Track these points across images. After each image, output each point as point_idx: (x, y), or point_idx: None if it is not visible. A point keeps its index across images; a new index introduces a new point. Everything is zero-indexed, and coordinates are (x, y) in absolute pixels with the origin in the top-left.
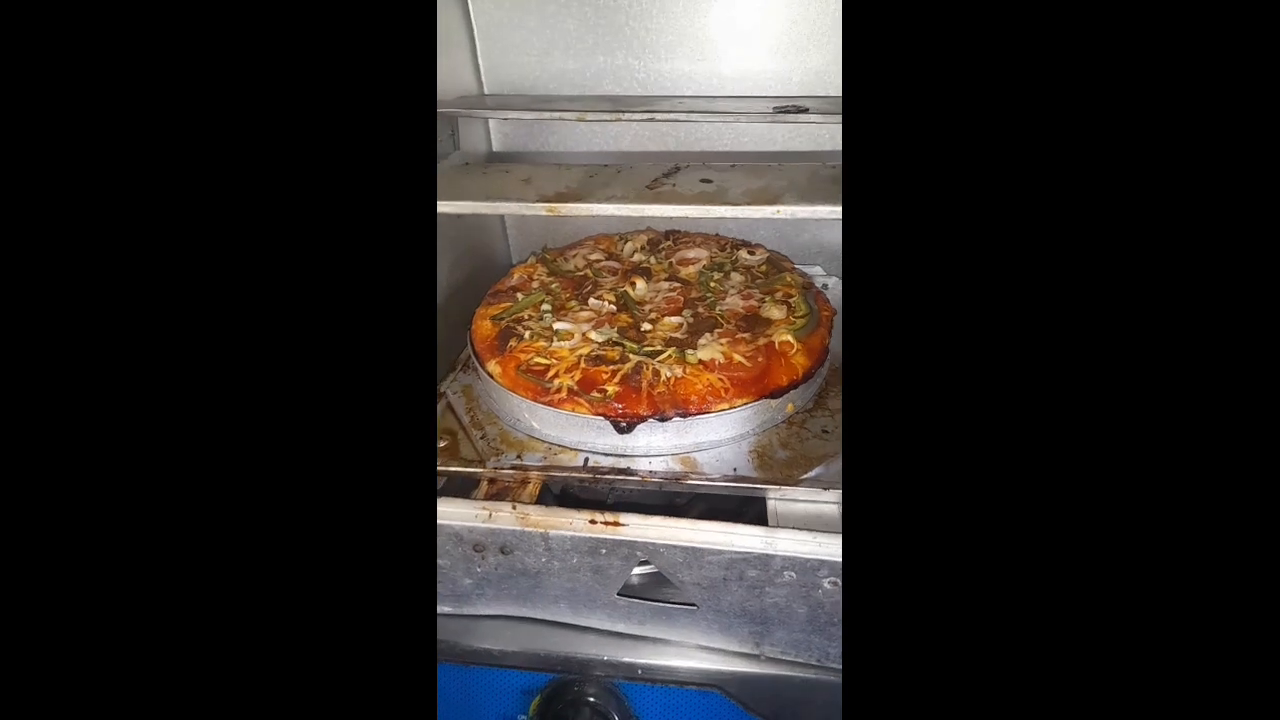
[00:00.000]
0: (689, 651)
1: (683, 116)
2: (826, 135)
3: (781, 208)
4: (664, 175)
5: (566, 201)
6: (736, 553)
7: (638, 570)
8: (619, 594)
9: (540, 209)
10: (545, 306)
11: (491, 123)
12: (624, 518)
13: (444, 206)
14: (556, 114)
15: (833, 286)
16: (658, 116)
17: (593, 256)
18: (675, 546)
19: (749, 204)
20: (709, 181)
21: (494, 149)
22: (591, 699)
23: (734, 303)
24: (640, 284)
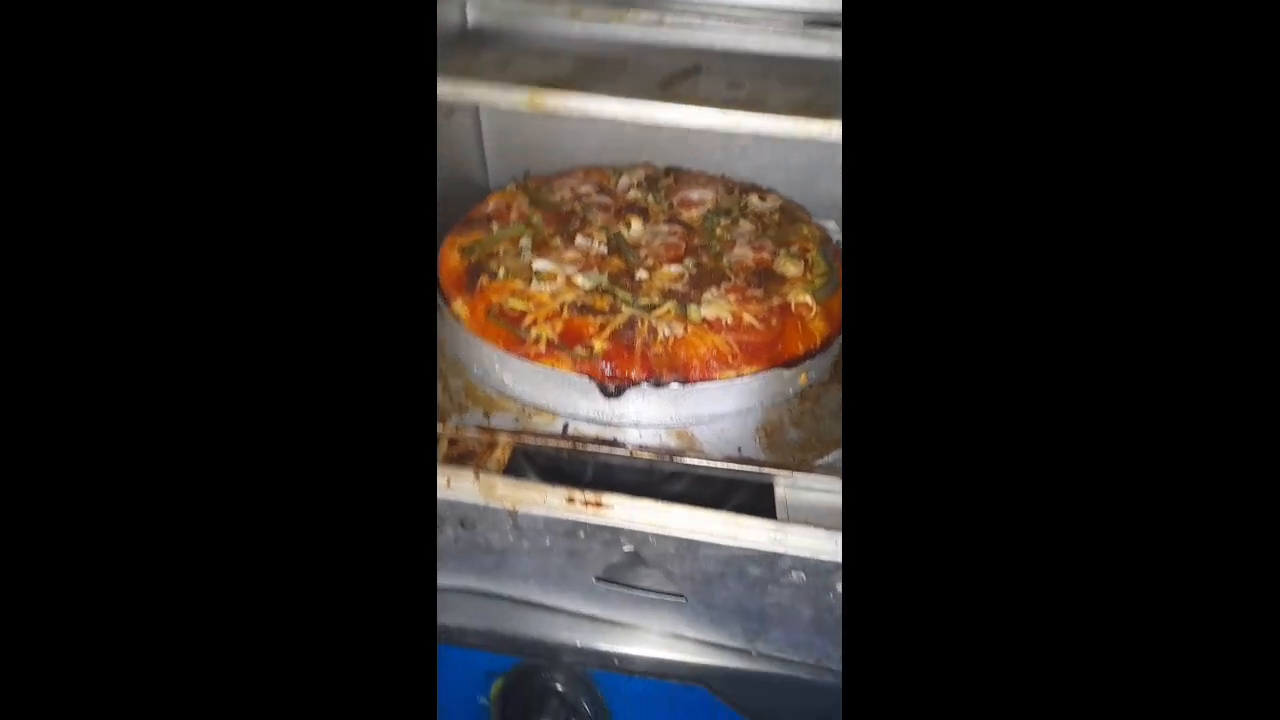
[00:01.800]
0: (672, 641)
1: (698, 20)
2: None
3: (835, 126)
4: (681, 74)
5: (556, 90)
6: (739, 548)
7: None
8: (598, 578)
9: (519, 98)
10: (524, 242)
11: (469, 7)
12: (608, 498)
13: None
14: (546, 3)
15: None
16: (667, 19)
17: (582, 189)
18: (667, 536)
19: (794, 115)
20: (740, 86)
21: (469, 28)
22: (560, 687)
23: (743, 254)
24: (636, 224)
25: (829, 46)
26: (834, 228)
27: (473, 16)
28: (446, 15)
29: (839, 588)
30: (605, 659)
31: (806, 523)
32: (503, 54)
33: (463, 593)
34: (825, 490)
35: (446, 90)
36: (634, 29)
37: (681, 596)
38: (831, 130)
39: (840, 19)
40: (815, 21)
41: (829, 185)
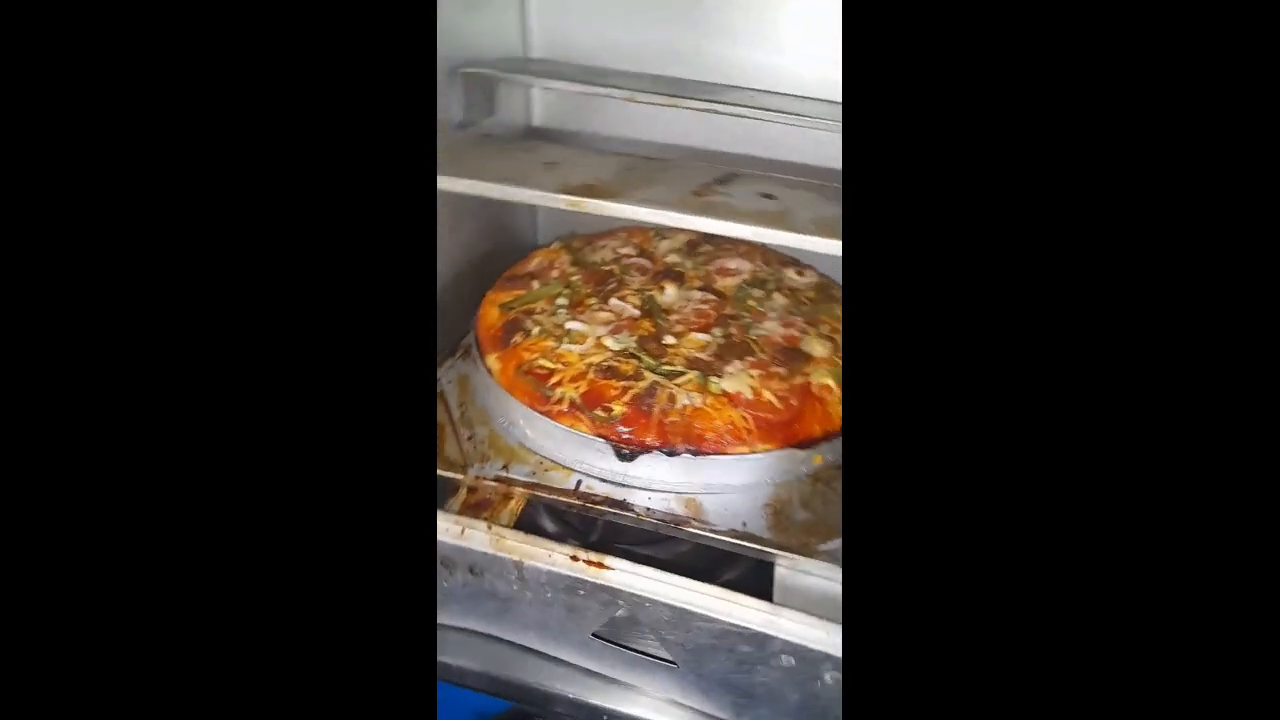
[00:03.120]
0: (662, 705)
1: (749, 111)
2: None
3: None
4: (716, 181)
5: (594, 197)
6: (731, 625)
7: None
8: (594, 634)
9: (560, 201)
10: (561, 300)
11: (535, 93)
12: (610, 560)
13: (447, 184)
14: (604, 90)
15: None
16: (719, 108)
17: (623, 250)
18: (664, 604)
19: (819, 234)
20: (771, 198)
21: (534, 123)
22: None
23: (772, 328)
24: (670, 289)
25: None
26: None
27: (537, 116)
28: (514, 114)
29: (828, 677)
30: (595, 713)
31: (802, 609)
32: (555, 153)
33: (465, 633)
34: (825, 577)
35: (496, 189)
36: (686, 120)
37: (673, 662)
38: None
39: None
40: None
41: None
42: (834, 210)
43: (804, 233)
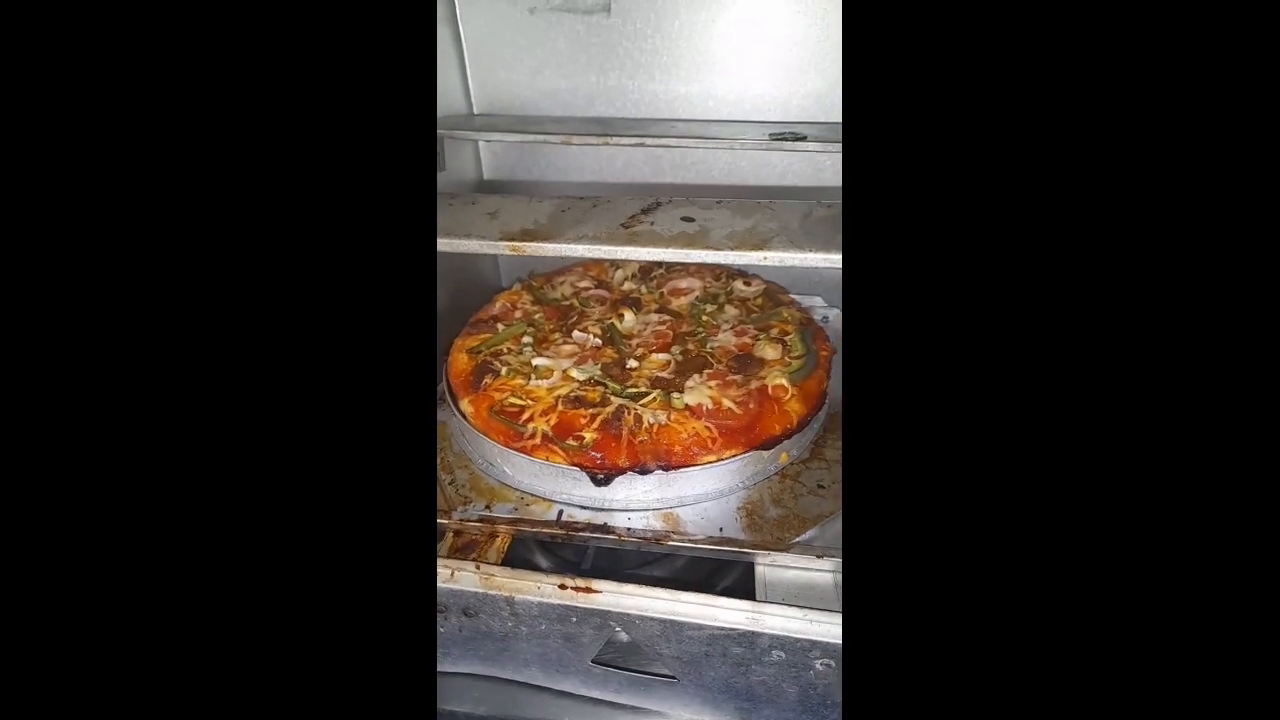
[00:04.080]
0: None
1: (674, 142)
2: (828, 163)
3: (769, 254)
4: (642, 212)
5: (533, 240)
6: (719, 628)
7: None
8: (595, 661)
9: (503, 248)
10: (526, 339)
11: (481, 144)
12: (597, 584)
13: None
14: (542, 137)
15: (833, 319)
16: (647, 141)
17: (581, 284)
18: (652, 619)
19: (733, 249)
20: (690, 220)
21: (484, 173)
22: None
23: (726, 339)
24: (629, 315)
25: (784, 158)
26: (819, 303)
27: (487, 167)
28: (464, 166)
29: (818, 665)
30: None
31: (782, 601)
32: (497, 204)
33: (468, 678)
34: (802, 568)
35: (445, 244)
36: (618, 153)
37: (673, 677)
38: (766, 257)
39: (801, 134)
40: (778, 135)
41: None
42: (747, 223)
43: (719, 249)
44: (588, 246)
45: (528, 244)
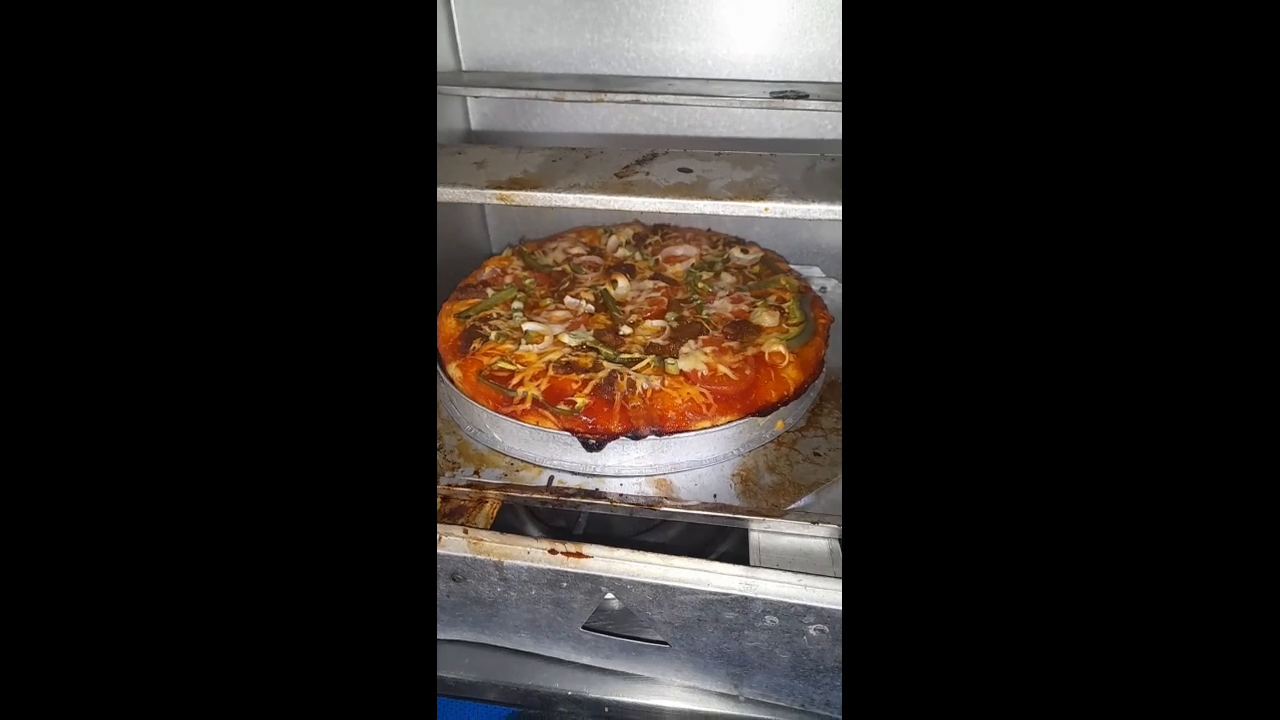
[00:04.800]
0: (661, 689)
1: (671, 99)
2: (829, 124)
3: (770, 204)
4: (637, 162)
5: (521, 189)
6: (711, 593)
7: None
8: (585, 626)
9: (490, 197)
10: (516, 304)
11: (470, 102)
12: (588, 548)
13: None
14: (533, 93)
15: (831, 290)
16: (643, 98)
17: (574, 250)
18: (644, 584)
19: (733, 199)
20: (688, 171)
21: (472, 129)
22: None
23: (723, 306)
24: (622, 282)
25: (785, 119)
26: (818, 274)
27: (474, 119)
28: (452, 122)
29: (811, 630)
30: (596, 708)
31: (776, 567)
32: (484, 154)
33: (458, 645)
34: (797, 534)
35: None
36: (613, 112)
37: (664, 642)
38: (768, 209)
39: (803, 92)
40: (779, 94)
41: (811, 232)
42: (747, 174)
43: (718, 199)
44: (579, 196)
45: (516, 192)
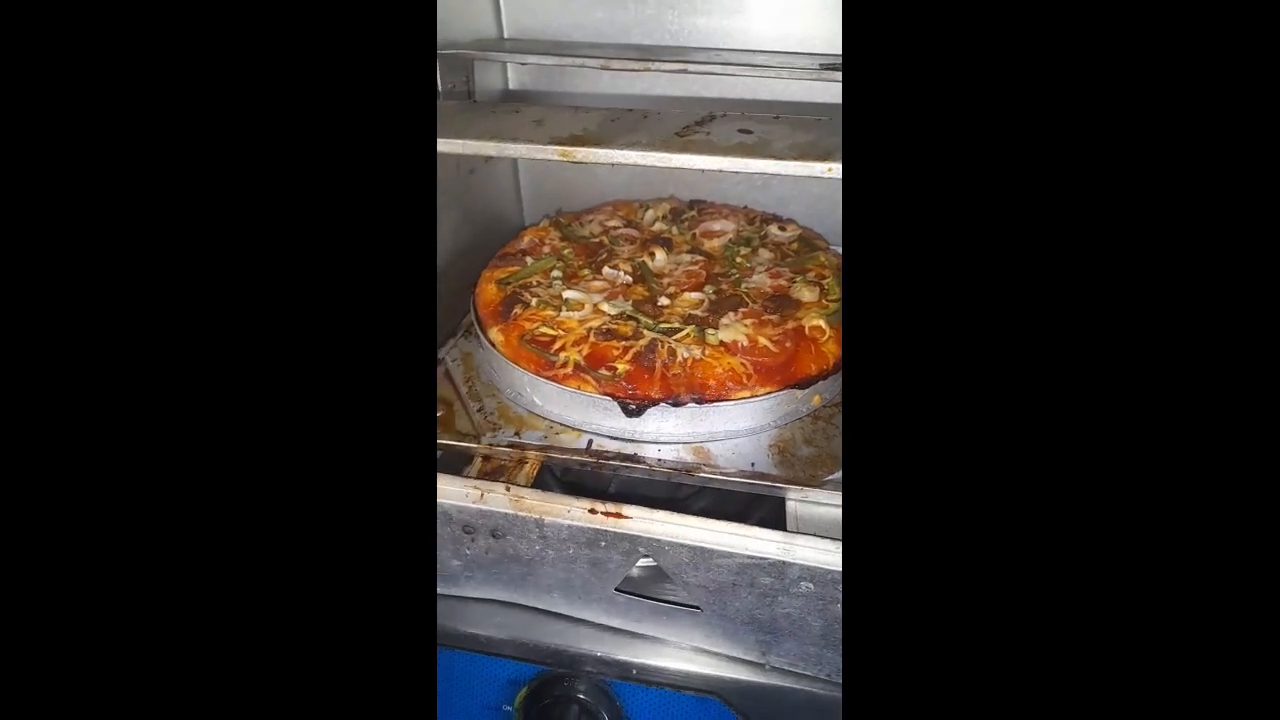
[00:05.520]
0: (688, 654)
1: (719, 69)
2: None
3: (835, 165)
4: (696, 123)
5: (584, 146)
6: (749, 557)
7: (640, 563)
8: (618, 589)
9: (552, 152)
10: (556, 273)
11: (510, 69)
12: (627, 509)
13: (441, 145)
14: (579, 60)
15: None
16: (690, 68)
17: (610, 223)
18: (682, 545)
19: (796, 159)
20: (749, 132)
21: (510, 89)
22: (581, 696)
23: (761, 281)
24: (660, 254)
25: (831, 91)
26: None
27: (513, 80)
28: (489, 81)
29: None
30: (625, 669)
31: (814, 534)
32: (541, 112)
33: (491, 604)
34: (833, 504)
35: (490, 147)
36: (653, 83)
37: (697, 607)
38: (831, 169)
39: None
40: (830, 66)
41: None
42: (809, 136)
43: (783, 159)
44: (641, 153)
45: (578, 149)
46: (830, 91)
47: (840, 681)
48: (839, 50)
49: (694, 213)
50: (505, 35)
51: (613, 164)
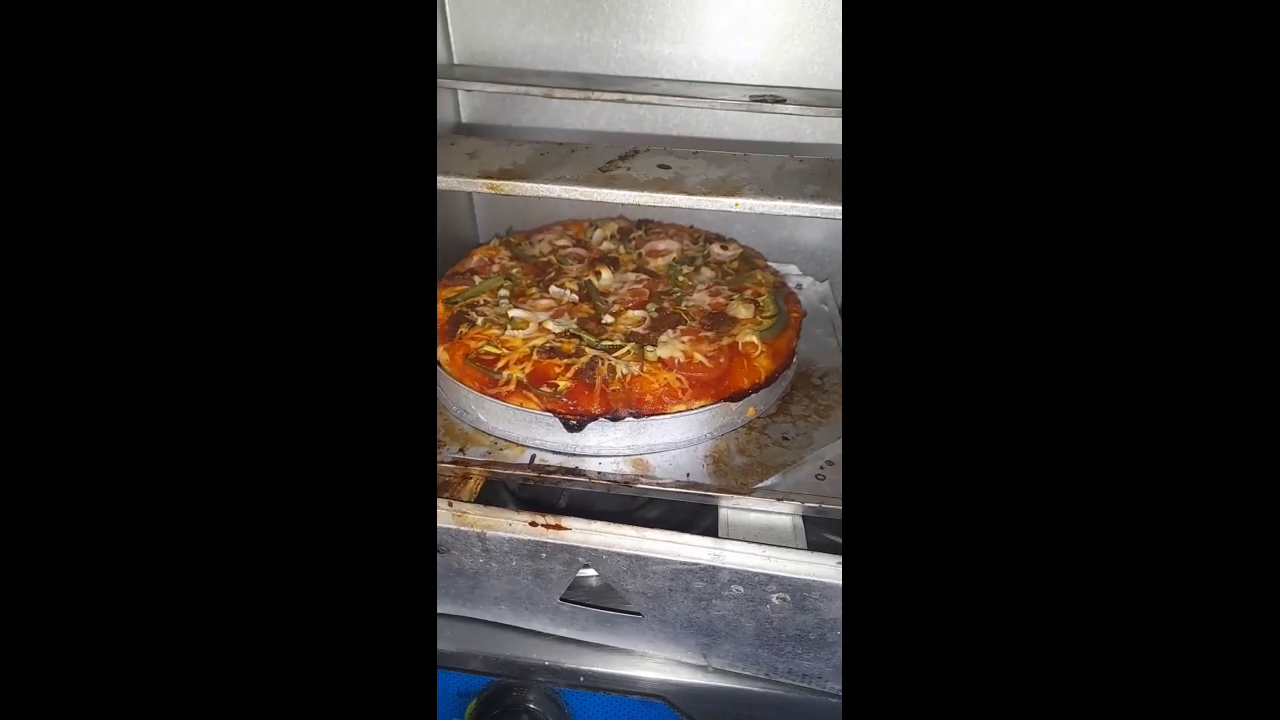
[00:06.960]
0: (634, 659)
1: (655, 99)
2: (806, 127)
3: (741, 200)
4: (620, 158)
5: (510, 180)
6: (682, 563)
7: (586, 573)
8: (563, 599)
9: (480, 186)
10: (503, 292)
11: (461, 95)
12: (566, 521)
13: None
14: (523, 89)
15: (807, 287)
16: (629, 97)
17: (559, 242)
18: (619, 554)
19: (706, 194)
20: (667, 167)
21: (462, 122)
22: (531, 705)
23: (701, 299)
24: (606, 273)
25: (765, 121)
26: (794, 270)
27: (465, 113)
28: (444, 114)
29: (774, 599)
30: (572, 677)
31: (743, 539)
32: (475, 145)
33: (440, 617)
34: (763, 511)
35: None
36: (600, 110)
37: (638, 613)
38: (737, 204)
39: (781, 96)
40: (759, 98)
41: (789, 230)
42: (720, 173)
43: (693, 194)
44: (564, 188)
45: (505, 183)
46: (761, 121)
47: (777, 679)
48: (773, 81)
49: (641, 232)
50: (455, 61)
51: (536, 196)
